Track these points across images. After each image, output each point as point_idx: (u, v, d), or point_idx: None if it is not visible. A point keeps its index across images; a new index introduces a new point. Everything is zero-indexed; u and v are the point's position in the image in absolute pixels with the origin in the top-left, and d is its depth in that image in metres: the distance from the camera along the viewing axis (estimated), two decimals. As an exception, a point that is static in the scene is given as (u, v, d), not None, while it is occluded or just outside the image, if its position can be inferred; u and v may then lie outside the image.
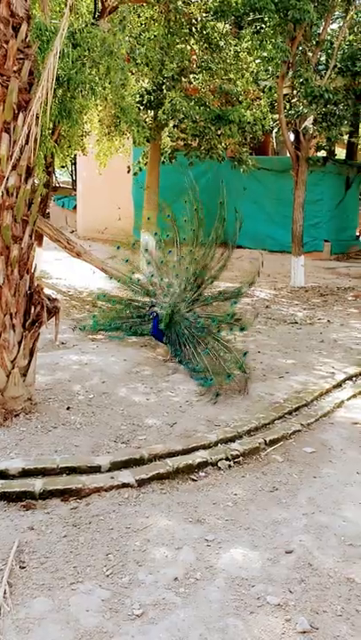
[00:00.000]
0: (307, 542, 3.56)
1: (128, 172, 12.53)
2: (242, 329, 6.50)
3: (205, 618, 2.91)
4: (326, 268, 14.84)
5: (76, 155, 14.60)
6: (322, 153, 19.14)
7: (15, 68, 4.63)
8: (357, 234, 18.74)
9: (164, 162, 11.77)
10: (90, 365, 6.53)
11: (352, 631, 2.88)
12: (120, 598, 3.02)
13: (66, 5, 6.13)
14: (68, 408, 5.33)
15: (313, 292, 11.82)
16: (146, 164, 11.88)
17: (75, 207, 19.75)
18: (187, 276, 7.06)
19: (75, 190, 22.14)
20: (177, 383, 6.12)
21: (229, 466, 4.47)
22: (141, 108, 10.49)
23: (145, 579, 3.17)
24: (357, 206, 18.83)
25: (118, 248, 8.00)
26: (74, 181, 25.15)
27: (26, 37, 4.65)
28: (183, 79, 10.78)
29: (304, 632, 2.84)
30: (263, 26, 10.00)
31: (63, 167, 21.16)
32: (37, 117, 4.66)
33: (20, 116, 4.66)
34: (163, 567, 3.27)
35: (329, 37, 11.38)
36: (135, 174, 12.37)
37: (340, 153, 25.59)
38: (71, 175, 26.27)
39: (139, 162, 12.19)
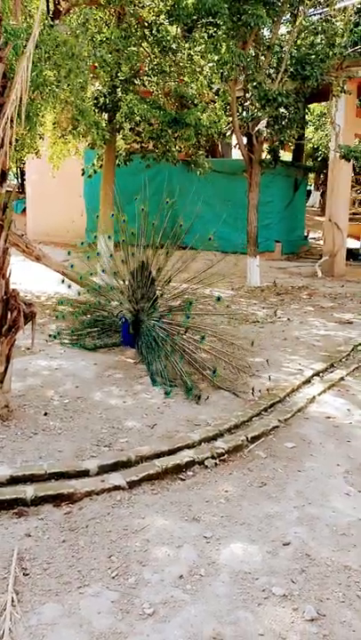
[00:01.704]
0: (302, 534, 3.66)
1: (82, 174, 12.43)
2: (202, 338, 6.55)
3: (216, 612, 2.96)
4: (279, 268, 15.15)
5: (24, 157, 14.39)
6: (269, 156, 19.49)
7: (-12, 71, 4.58)
8: (305, 234, 19.23)
9: (119, 164, 11.75)
10: (60, 370, 6.47)
11: (357, 615, 2.99)
12: (129, 599, 3.04)
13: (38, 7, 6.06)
14: (45, 414, 5.28)
15: (269, 292, 12.05)
16: (101, 167, 11.83)
17: (23, 210, 19.42)
18: (143, 278, 7.08)
19: (21, 193, 21.76)
20: (152, 385, 6.14)
21: (216, 464, 4.53)
22: (96, 110, 10.44)
23: (151, 578, 3.20)
24: (305, 207, 19.32)
25: (88, 258, 8.01)
26: (20, 184, 24.73)
27: (-1, 40, 4.60)
28: (137, 82, 10.79)
29: (312, 619, 2.93)
30: (217, 30, 10.12)
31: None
32: (12, 120, 4.62)
33: (-5, 119, 4.60)
34: (166, 566, 3.30)
35: (278, 42, 11.62)
36: (90, 177, 12.29)
37: (284, 156, 26.16)
38: (17, 178, 25.82)
39: (93, 164, 12.11)
